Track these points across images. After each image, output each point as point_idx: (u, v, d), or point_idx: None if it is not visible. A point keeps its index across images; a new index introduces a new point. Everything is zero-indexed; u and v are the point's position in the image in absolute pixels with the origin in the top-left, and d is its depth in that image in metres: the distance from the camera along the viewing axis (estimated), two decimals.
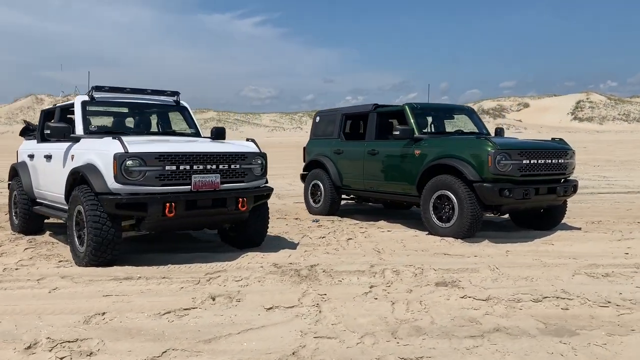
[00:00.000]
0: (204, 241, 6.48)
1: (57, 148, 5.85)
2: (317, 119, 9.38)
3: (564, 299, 4.05)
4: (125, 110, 6.52)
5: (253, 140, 5.76)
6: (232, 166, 5.31)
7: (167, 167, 4.92)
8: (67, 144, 5.63)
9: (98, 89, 6.04)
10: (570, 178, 7.08)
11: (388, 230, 7.05)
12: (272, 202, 10.30)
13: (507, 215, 7.59)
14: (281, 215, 8.63)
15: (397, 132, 7.09)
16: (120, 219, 4.99)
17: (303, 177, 9.29)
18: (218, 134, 6.62)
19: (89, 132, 5.77)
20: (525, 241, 6.36)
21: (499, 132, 8.11)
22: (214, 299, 4.01)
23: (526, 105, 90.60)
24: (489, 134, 8.04)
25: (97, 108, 6.19)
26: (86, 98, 6.01)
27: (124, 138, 5.04)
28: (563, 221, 7.68)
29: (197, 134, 6.58)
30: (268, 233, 6.89)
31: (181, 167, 4.99)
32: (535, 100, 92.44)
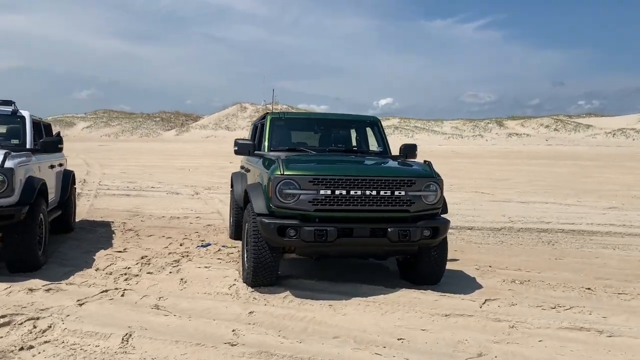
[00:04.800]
0: None
1: None
2: (250, 130, 8.39)
3: None
4: None
5: (7, 155, 5.23)
6: None
7: None
8: None
9: None
10: (440, 217, 5.06)
11: (206, 267, 5.85)
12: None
13: None
14: (188, 235, 7.88)
15: (236, 148, 5.88)
16: None
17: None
18: (46, 146, 6.27)
19: None
20: (336, 298, 4.68)
21: (404, 150, 6.18)
22: None
23: None
24: (386, 152, 6.24)
25: None
26: None
27: None
28: (477, 275, 5.66)
29: (22, 145, 6.27)
30: (94, 257, 6.34)
31: None
32: None
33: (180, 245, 7.21)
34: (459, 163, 27.35)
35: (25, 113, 6.53)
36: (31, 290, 4.78)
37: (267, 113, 6.36)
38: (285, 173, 4.67)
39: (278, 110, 6.88)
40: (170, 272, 5.63)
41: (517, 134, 69.85)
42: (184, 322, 4.05)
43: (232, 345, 3.59)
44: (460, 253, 7.00)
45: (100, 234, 7.91)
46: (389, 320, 4.17)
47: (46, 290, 4.81)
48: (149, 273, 5.59)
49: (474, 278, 5.65)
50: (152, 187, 14.40)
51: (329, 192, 4.64)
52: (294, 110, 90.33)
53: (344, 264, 6.13)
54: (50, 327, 3.84)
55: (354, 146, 6.46)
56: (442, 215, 5.13)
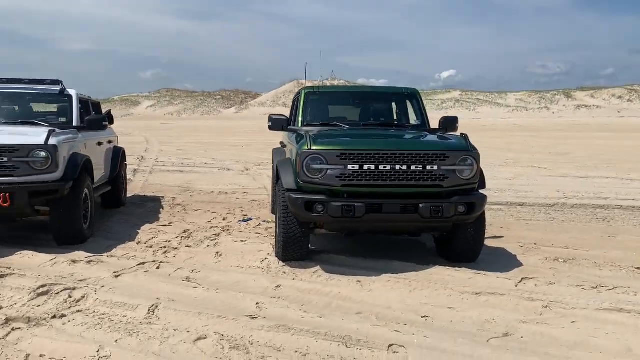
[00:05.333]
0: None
1: None
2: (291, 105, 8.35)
3: None
4: (6, 99, 6.74)
5: (50, 133, 5.43)
6: None
7: None
8: None
9: None
10: (477, 193, 4.86)
11: (242, 241, 5.91)
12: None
13: None
14: (232, 210, 8.01)
15: (270, 123, 5.88)
16: None
17: None
18: (91, 124, 6.51)
19: None
20: (365, 274, 4.63)
21: (443, 123, 5.96)
22: None
23: None
24: (424, 125, 6.05)
25: None
26: None
27: None
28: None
29: (69, 123, 6.50)
30: (143, 226, 6.55)
31: None
32: None
33: (223, 219, 7.34)
34: (518, 137, 26.35)
35: (72, 92, 6.76)
36: (74, 261, 4.99)
37: (303, 88, 6.30)
38: (312, 148, 4.61)
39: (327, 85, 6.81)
40: (208, 246, 5.74)
41: (586, 106, 66.36)
42: (211, 294, 4.12)
43: (252, 318, 3.62)
44: (506, 230, 6.76)
45: (149, 208, 8.17)
46: (415, 298, 4.08)
47: (87, 262, 5.02)
48: (187, 246, 5.72)
49: (515, 256, 5.43)
50: (205, 164, 14.73)
51: (356, 167, 4.55)
52: (351, 84, 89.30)
53: (378, 240, 6.05)
54: (84, 297, 4.00)
55: (393, 120, 6.30)
56: (479, 191, 4.93)
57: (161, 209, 8.08)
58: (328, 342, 3.26)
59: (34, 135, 5.40)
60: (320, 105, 6.16)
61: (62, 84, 6.71)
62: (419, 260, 5.08)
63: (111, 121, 8.75)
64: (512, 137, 25.99)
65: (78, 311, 3.76)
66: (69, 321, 3.55)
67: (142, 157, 16.35)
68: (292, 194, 4.68)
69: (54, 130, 5.55)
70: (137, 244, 5.82)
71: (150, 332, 3.39)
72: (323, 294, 4.17)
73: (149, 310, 3.75)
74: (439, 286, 4.35)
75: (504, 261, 5.23)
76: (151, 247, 5.69)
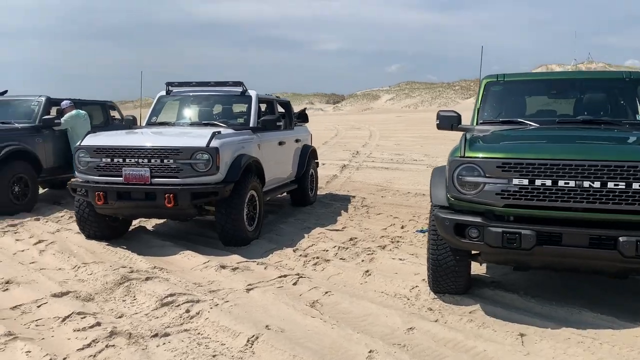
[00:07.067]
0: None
1: None
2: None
3: None
4: (194, 101, 7.06)
5: (213, 135, 5.41)
6: (165, 161, 5.30)
7: (103, 159, 5.45)
8: None
9: (169, 84, 6.95)
10: None
11: (400, 259, 5.10)
12: None
13: None
14: (417, 216, 7.26)
15: (437, 121, 4.97)
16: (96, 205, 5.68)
17: None
18: (265, 124, 6.47)
19: (149, 123, 6.80)
20: (536, 324, 3.51)
21: None
22: None
23: None
24: None
25: (173, 101, 7.06)
26: (163, 93, 7.02)
27: (115, 132, 5.91)
28: None
29: (245, 124, 6.52)
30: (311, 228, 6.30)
31: (115, 160, 5.42)
32: None
33: (401, 227, 6.65)
34: None
35: (252, 93, 6.78)
36: (222, 267, 4.87)
37: (486, 77, 5.16)
38: (466, 155, 3.60)
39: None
40: (362, 261, 5.13)
41: None
42: (326, 329, 3.49)
43: None
44: None
45: (333, 209, 7.90)
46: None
47: (233, 269, 4.84)
48: (341, 259, 5.21)
49: None
50: (415, 160, 14.06)
51: (525, 181, 3.40)
52: (613, 69, 78.52)
53: (573, 276, 4.62)
54: (198, 314, 3.74)
55: (609, 115, 4.74)
56: None
57: (344, 211, 7.72)
58: None
59: (198, 137, 5.44)
60: (504, 97, 4.96)
61: (243, 85, 6.77)
62: (623, 313, 3.66)
63: (305, 119, 8.74)
64: None
65: (185, 330, 3.51)
66: (164, 343, 3.30)
67: (357, 152, 16.43)
68: (440, 213, 3.74)
69: (218, 132, 5.54)
70: (294, 251, 5.49)
71: None
72: (463, 350, 3.20)
73: (247, 340, 3.30)
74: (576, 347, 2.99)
75: None
76: (306, 256, 5.30)
